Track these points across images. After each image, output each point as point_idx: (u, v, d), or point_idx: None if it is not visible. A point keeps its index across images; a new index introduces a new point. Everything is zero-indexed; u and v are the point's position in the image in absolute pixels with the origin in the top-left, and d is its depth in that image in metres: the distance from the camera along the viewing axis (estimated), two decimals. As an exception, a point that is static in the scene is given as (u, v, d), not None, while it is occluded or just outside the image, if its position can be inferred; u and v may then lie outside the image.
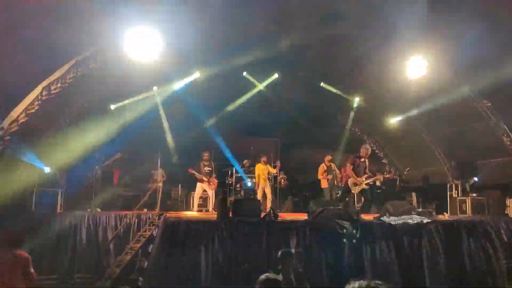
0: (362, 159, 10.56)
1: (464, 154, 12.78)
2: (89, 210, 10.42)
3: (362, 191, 10.60)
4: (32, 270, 5.92)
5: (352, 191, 10.73)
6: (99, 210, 10.71)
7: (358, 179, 10.42)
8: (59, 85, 10.04)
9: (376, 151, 16.23)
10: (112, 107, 13.25)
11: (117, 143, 12.60)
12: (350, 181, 10.53)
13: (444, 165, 14.02)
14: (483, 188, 12.64)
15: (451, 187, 13.28)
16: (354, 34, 9.96)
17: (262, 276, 3.58)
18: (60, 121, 12.13)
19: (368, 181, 10.62)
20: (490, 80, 10.22)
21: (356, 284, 1.36)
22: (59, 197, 10.68)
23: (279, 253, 5.66)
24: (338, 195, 11.75)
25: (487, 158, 12.33)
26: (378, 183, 12.83)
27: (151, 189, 11.85)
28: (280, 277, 4.02)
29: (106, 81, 11.17)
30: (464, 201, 11.94)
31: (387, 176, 13.11)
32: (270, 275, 3.65)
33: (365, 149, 10.69)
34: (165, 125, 13.67)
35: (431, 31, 9.35)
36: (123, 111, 13.32)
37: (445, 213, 11.62)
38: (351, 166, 10.46)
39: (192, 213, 11.75)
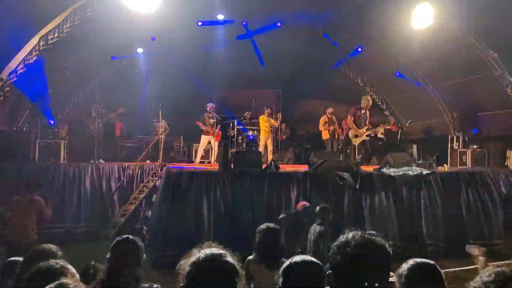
0: (363, 111, 10.44)
1: (467, 106, 12.67)
2: (92, 161, 10.54)
3: (363, 143, 10.60)
4: (48, 211, 6.18)
5: (353, 143, 10.72)
6: (102, 161, 10.82)
7: (359, 130, 10.38)
8: (56, 34, 9.83)
9: (378, 103, 16.13)
10: (113, 59, 13.09)
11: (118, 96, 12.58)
12: (350, 133, 10.50)
13: (446, 117, 13.96)
14: (484, 140, 12.66)
15: (452, 139, 13.30)
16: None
17: (263, 225, 3.66)
18: (60, 72, 12.00)
19: (369, 132, 10.59)
20: (497, 30, 9.95)
21: (350, 234, 1.38)
22: (62, 148, 10.77)
23: (317, 208, 5.98)
24: (339, 147, 11.80)
25: (490, 110, 12.23)
26: (379, 135, 12.85)
27: (153, 141, 11.93)
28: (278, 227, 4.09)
29: (104, 31, 10.92)
30: (465, 153, 11.99)
31: (388, 127, 13.10)
32: (270, 224, 3.73)
33: (366, 100, 10.53)
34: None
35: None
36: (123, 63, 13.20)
37: (445, 165, 11.69)
38: (352, 118, 10.38)
39: (194, 165, 11.87)
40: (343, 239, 1.38)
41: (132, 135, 13.52)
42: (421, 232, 8.38)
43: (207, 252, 1.56)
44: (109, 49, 12.48)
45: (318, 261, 1.99)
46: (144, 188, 9.88)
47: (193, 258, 1.56)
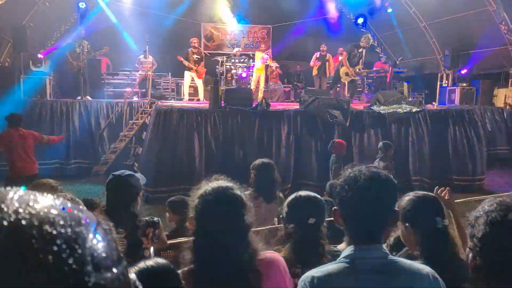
0: (361, 49, 10.14)
1: (459, 43, 12.53)
2: (79, 98, 10.35)
3: (352, 81, 10.50)
4: (43, 137, 6.29)
5: (342, 80, 10.59)
6: (89, 98, 10.63)
7: (351, 69, 10.19)
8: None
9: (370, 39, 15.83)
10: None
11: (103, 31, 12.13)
12: (342, 70, 10.32)
13: (437, 55, 13.85)
14: (474, 77, 12.69)
15: (442, 76, 13.30)
16: None
17: (257, 161, 3.70)
18: (39, 4, 11.44)
19: (361, 72, 10.45)
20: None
21: (357, 170, 1.39)
22: (48, 84, 10.51)
23: (380, 143, 6.49)
24: (328, 84, 11.69)
25: (482, 48, 12.12)
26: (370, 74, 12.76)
27: (141, 77, 11.67)
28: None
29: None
30: (454, 91, 12.05)
31: (380, 67, 12.96)
32: (264, 159, 3.77)
33: (367, 38, 10.14)
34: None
35: None
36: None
37: (434, 103, 11.78)
38: (347, 55, 10.14)
39: (183, 102, 11.72)
40: (352, 175, 1.39)
41: (119, 71, 13.16)
42: (407, 168, 8.58)
43: (214, 184, 1.59)
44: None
45: (320, 197, 2.11)
46: (134, 125, 9.81)
47: (200, 191, 1.58)
